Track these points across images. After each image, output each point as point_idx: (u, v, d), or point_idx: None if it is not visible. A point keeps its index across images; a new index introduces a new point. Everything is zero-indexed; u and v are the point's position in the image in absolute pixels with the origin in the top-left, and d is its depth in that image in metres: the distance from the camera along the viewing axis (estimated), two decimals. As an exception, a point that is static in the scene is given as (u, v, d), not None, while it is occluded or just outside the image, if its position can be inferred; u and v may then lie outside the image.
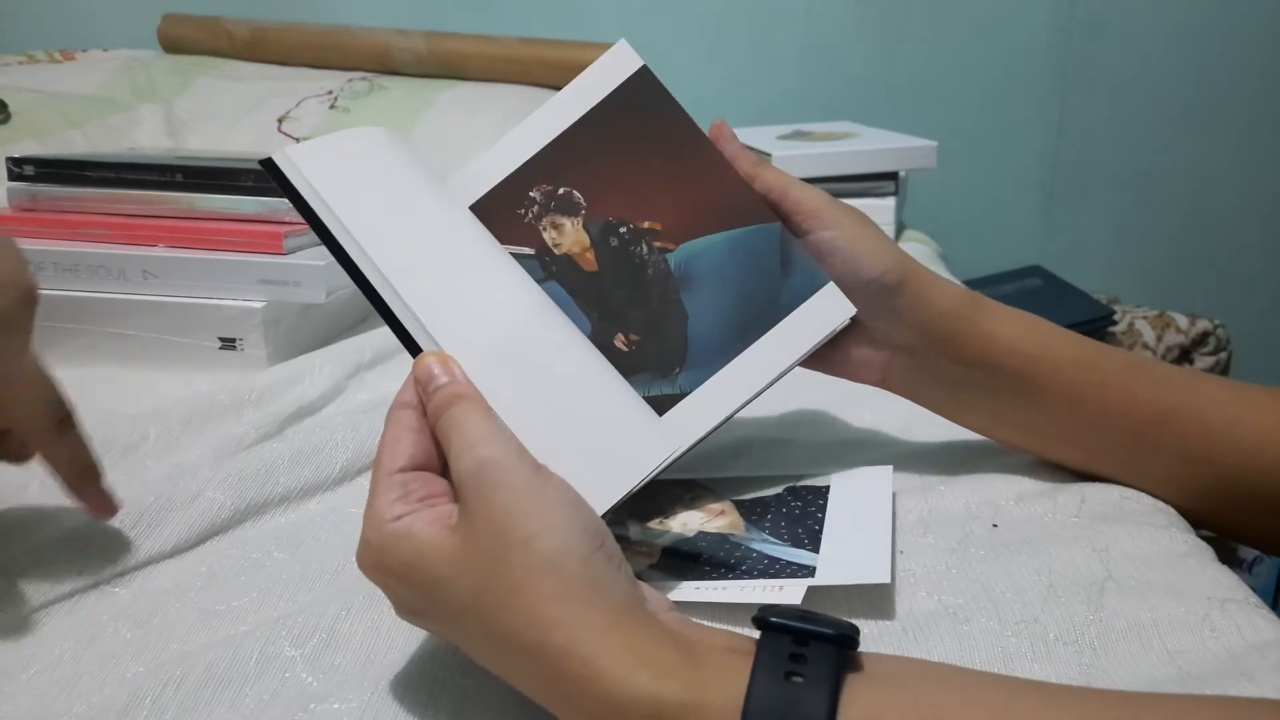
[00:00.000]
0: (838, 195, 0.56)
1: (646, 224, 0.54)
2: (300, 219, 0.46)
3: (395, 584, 0.39)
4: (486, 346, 0.45)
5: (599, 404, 0.47)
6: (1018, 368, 0.54)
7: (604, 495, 0.44)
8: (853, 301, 0.54)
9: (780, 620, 0.35)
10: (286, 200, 0.47)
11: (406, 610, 0.40)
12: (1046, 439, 0.57)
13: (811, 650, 0.34)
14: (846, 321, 0.53)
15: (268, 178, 0.46)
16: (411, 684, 0.42)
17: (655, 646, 0.35)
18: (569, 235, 0.53)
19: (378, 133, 0.50)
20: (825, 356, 0.55)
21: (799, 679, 0.33)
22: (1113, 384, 0.54)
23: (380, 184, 0.47)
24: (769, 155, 1.09)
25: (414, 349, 0.45)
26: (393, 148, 0.50)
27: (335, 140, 0.48)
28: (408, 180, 0.49)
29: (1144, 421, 0.53)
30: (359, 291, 0.46)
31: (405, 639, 0.45)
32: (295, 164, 0.45)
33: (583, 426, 0.46)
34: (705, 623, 0.39)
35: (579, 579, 0.36)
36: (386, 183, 0.48)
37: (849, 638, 0.34)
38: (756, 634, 0.35)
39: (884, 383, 0.57)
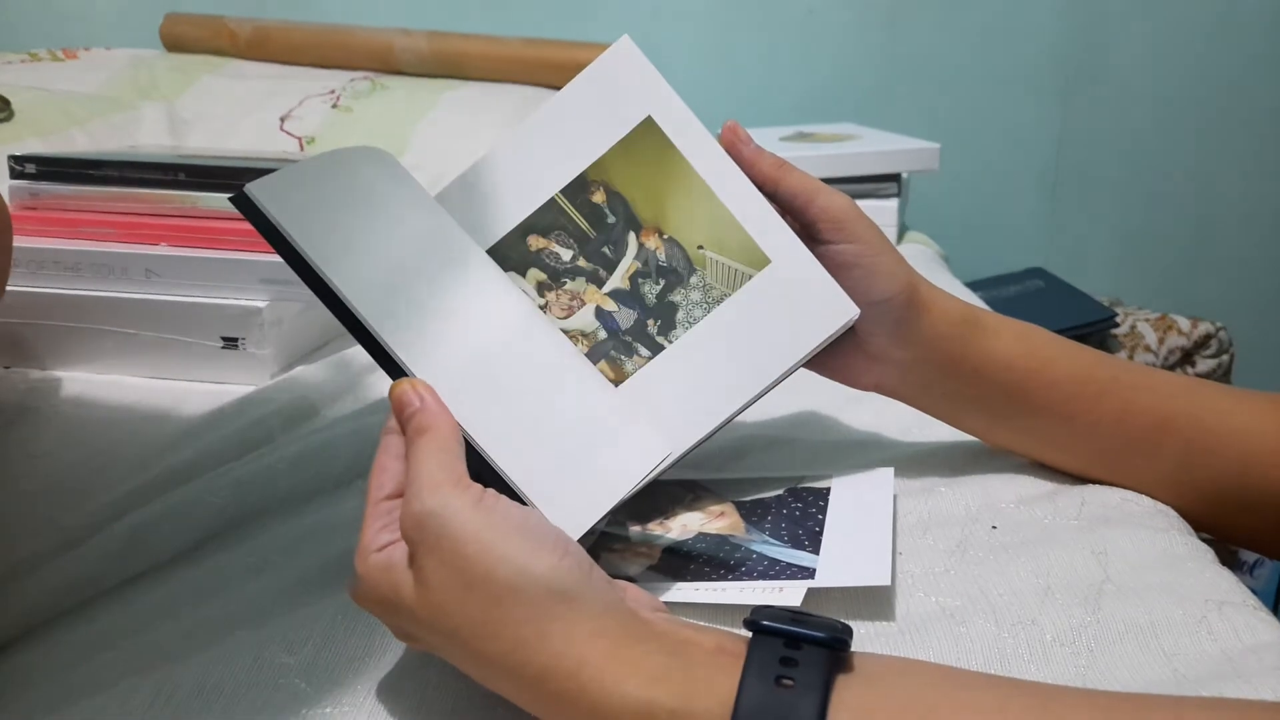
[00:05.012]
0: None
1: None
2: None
3: (384, 613, 0.40)
4: (462, 367, 0.45)
5: (584, 417, 0.47)
6: (1013, 382, 0.54)
7: (590, 508, 0.44)
8: None
9: (771, 624, 0.35)
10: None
11: (400, 635, 0.41)
12: (1043, 446, 0.57)
13: (803, 653, 0.34)
14: (851, 323, 0.53)
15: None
16: (404, 688, 0.42)
17: (641, 651, 0.35)
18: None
19: (353, 153, 0.50)
20: (817, 357, 0.55)
21: (789, 682, 0.33)
22: (1109, 394, 0.54)
23: (352, 210, 0.47)
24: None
25: (394, 372, 0.44)
26: (367, 166, 0.50)
27: (305, 168, 0.47)
28: (384, 201, 0.49)
29: (1141, 429, 0.53)
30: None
31: (399, 643, 0.45)
32: (260, 197, 0.44)
33: (566, 440, 0.46)
34: (697, 622, 0.39)
35: (548, 595, 0.36)
36: (359, 207, 0.47)
37: (841, 640, 0.34)
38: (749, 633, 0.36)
39: (878, 389, 0.57)
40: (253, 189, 0.44)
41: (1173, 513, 0.54)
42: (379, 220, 0.48)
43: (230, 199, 0.45)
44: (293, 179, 0.46)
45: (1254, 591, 0.48)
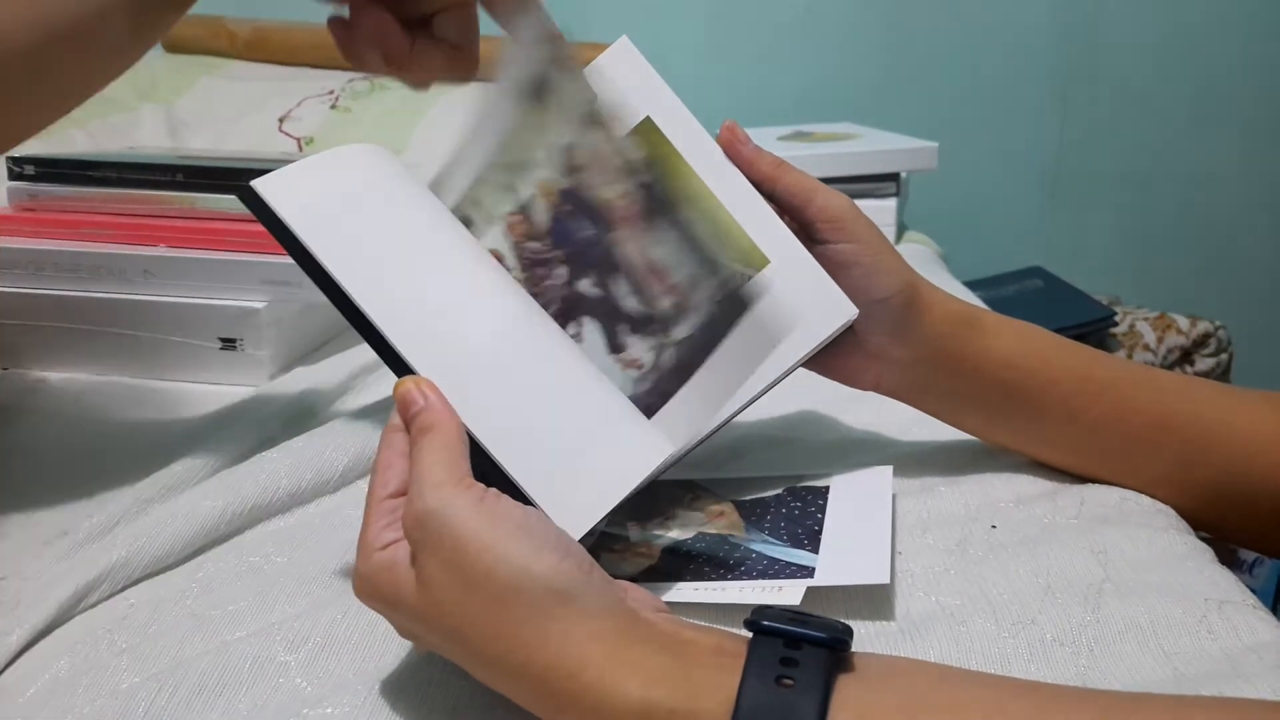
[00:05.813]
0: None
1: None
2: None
3: (388, 611, 0.40)
4: (467, 365, 0.45)
5: (583, 416, 0.47)
6: (1012, 381, 0.54)
7: (593, 507, 0.44)
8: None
9: (771, 624, 0.35)
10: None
11: (403, 633, 0.41)
12: (1042, 445, 0.57)
13: (803, 653, 0.34)
14: (850, 323, 0.53)
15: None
16: (405, 687, 0.42)
17: (641, 652, 0.35)
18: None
19: (353, 151, 0.50)
20: (816, 357, 0.55)
21: (789, 682, 0.33)
22: (1108, 394, 0.54)
23: (357, 205, 0.47)
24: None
25: (399, 369, 0.44)
26: (371, 165, 0.50)
27: (310, 163, 0.47)
28: (389, 197, 0.49)
29: (1140, 428, 0.53)
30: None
31: (400, 642, 0.45)
32: (266, 192, 0.44)
33: (569, 439, 0.46)
34: (697, 622, 0.39)
35: (548, 595, 0.36)
36: (364, 203, 0.47)
37: (841, 640, 0.34)
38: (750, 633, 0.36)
39: (877, 388, 0.57)
40: (259, 184, 0.44)
41: (1172, 512, 0.54)
42: (385, 216, 0.48)
43: (237, 194, 0.45)
44: (298, 174, 0.46)
45: (1253, 590, 0.48)
